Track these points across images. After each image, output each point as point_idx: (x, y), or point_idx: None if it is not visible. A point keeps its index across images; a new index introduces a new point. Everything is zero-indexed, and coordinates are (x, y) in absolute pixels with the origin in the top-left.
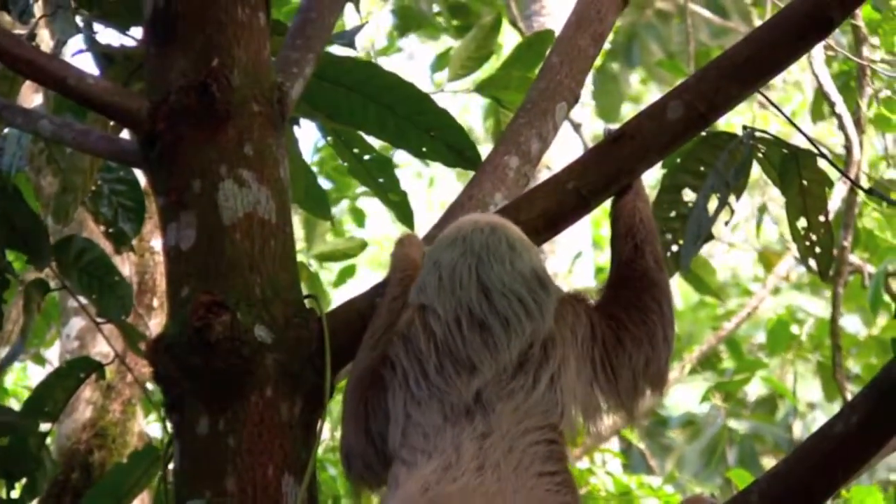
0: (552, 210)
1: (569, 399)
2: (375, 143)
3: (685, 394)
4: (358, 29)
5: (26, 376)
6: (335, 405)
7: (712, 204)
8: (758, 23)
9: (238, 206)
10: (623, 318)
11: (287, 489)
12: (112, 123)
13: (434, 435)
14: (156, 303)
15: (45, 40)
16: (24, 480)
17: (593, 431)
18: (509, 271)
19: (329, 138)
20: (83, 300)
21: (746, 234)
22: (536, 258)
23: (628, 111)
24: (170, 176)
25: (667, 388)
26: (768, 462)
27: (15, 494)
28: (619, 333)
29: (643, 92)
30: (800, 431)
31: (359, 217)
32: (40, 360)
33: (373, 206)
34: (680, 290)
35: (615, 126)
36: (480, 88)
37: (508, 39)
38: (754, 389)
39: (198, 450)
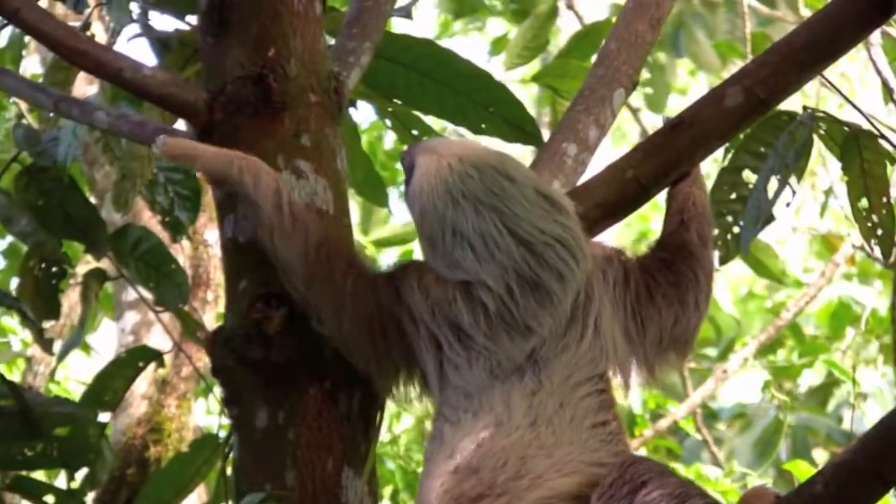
0: (611, 199)
1: (609, 341)
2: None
3: (742, 383)
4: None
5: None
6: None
7: (773, 186)
8: (804, 12)
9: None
10: (658, 277)
11: (347, 482)
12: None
13: (478, 394)
14: (210, 296)
15: (97, 29)
16: (83, 471)
17: (624, 387)
18: (532, 210)
19: (387, 121)
20: (141, 290)
21: (796, 222)
22: (526, 171)
23: (677, 104)
24: None
25: (690, 354)
26: (819, 454)
27: (75, 485)
28: (652, 289)
29: (689, 84)
30: (853, 423)
31: None
32: (86, 349)
33: None
34: (728, 284)
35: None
36: (537, 78)
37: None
38: (807, 380)
39: (257, 443)
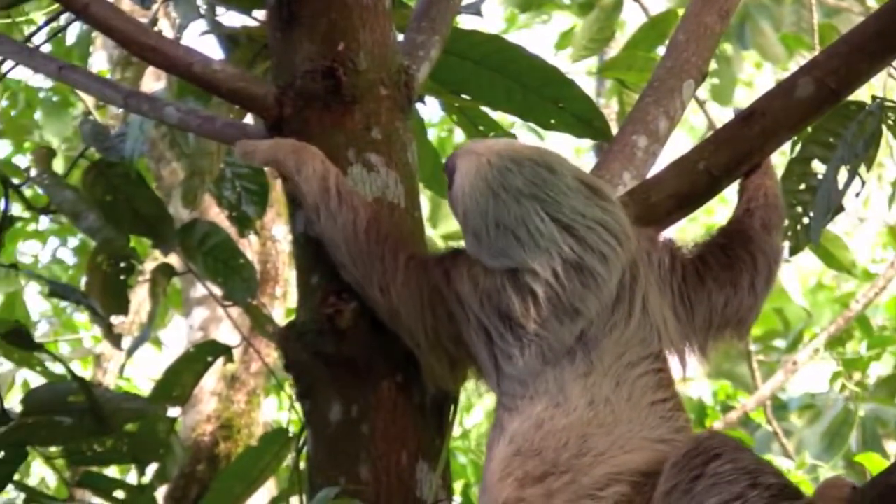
0: (683, 191)
1: (659, 320)
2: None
3: (812, 375)
4: None
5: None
6: (465, 391)
7: (842, 176)
8: (871, 3)
9: (367, 191)
10: (710, 261)
11: (421, 476)
12: (236, 107)
13: (532, 381)
14: (279, 291)
15: (163, 26)
16: (154, 466)
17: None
18: (573, 196)
19: (454, 116)
20: (209, 285)
21: (864, 213)
22: (565, 161)
23: (743, 96)
24: None
25: (747, 336)
26: (890, 445)
27: (145, 480)
28: (702, 272)
29: (754, 76)
30: None
31: None
32: (157, 343)
33: None
34: (798, 275)
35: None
36: (604, 70)
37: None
38: (875, 371)
39: (330, 437)
